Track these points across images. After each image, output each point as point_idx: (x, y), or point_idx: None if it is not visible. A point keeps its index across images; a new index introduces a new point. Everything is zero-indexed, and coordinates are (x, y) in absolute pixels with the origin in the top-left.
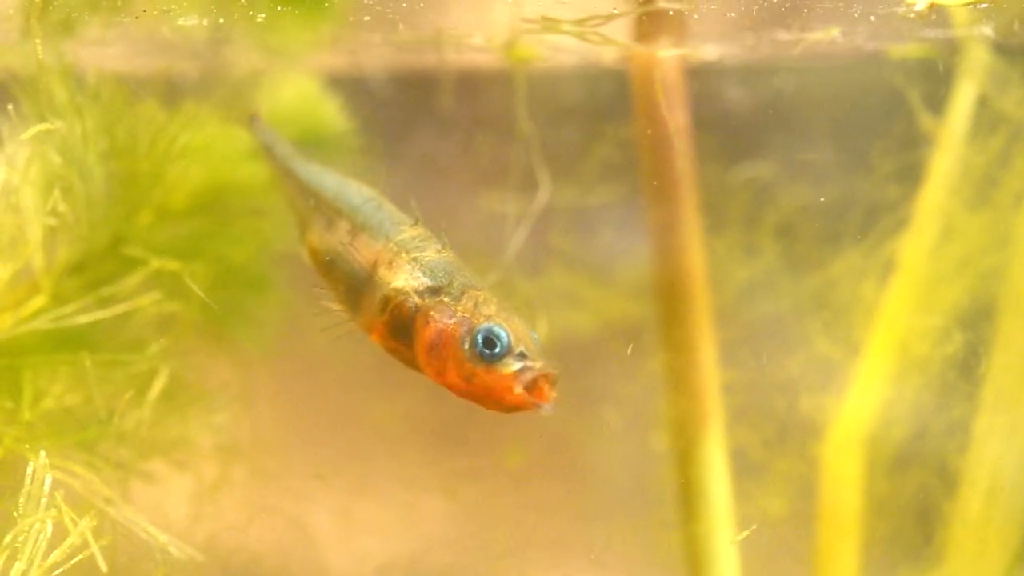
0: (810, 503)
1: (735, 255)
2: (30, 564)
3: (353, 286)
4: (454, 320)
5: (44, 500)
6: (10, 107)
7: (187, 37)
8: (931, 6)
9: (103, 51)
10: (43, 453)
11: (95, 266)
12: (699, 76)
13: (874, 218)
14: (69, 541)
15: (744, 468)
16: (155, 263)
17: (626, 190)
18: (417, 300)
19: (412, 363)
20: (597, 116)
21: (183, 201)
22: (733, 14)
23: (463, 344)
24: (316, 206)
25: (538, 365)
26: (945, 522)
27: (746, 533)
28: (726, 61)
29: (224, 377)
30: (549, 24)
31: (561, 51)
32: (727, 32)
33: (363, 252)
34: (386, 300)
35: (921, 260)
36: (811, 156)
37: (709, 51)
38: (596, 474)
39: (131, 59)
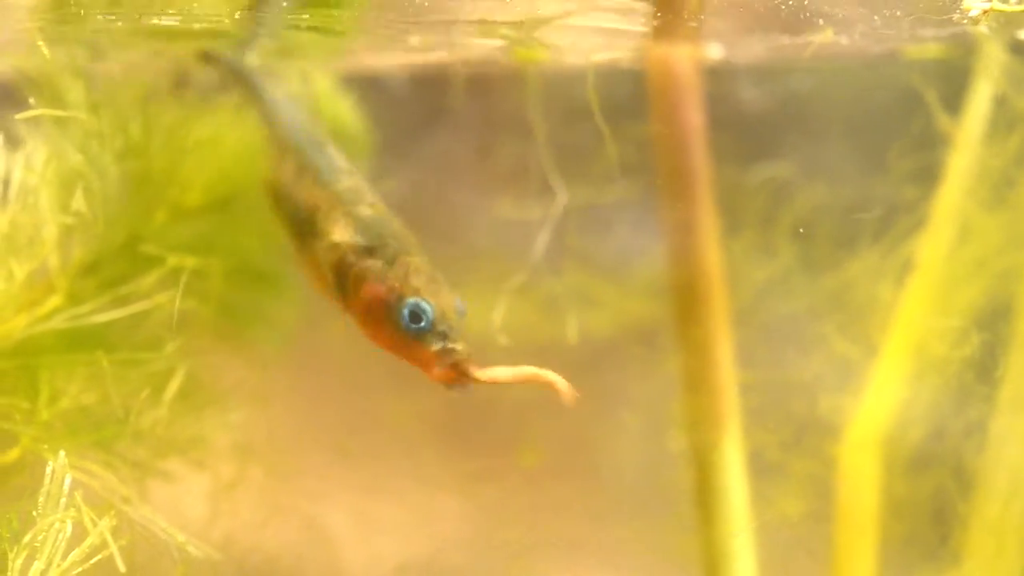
0: (827, 503)
1: (752, 255)
2: (49, 564)
3: (296, 226)
4: (385, 287)
5: (63, 500)
6: (31, 101)
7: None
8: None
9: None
10: (62, 453)
11: (110, 265)
12: (715, 76)
13: (891, 219)
14: (89, 541)
15: (761, 468)
16: (171, 261)
17: (642, 190)
18: (352, 259)
19: (347, 313)
20: (613, 116)
21: (198, 199)
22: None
23: (392, 313)
24: (272, 136)
25: (458, 348)
26: (962, 523)
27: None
28: (742, 61)
29: (240, 376)
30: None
31: (570, 51)
32: (744, 31)
33: (305, 194)
34: (327, 250)
35: (938, 261)
36: (828, 156)
37: (726, 51)
38: (612, 474)
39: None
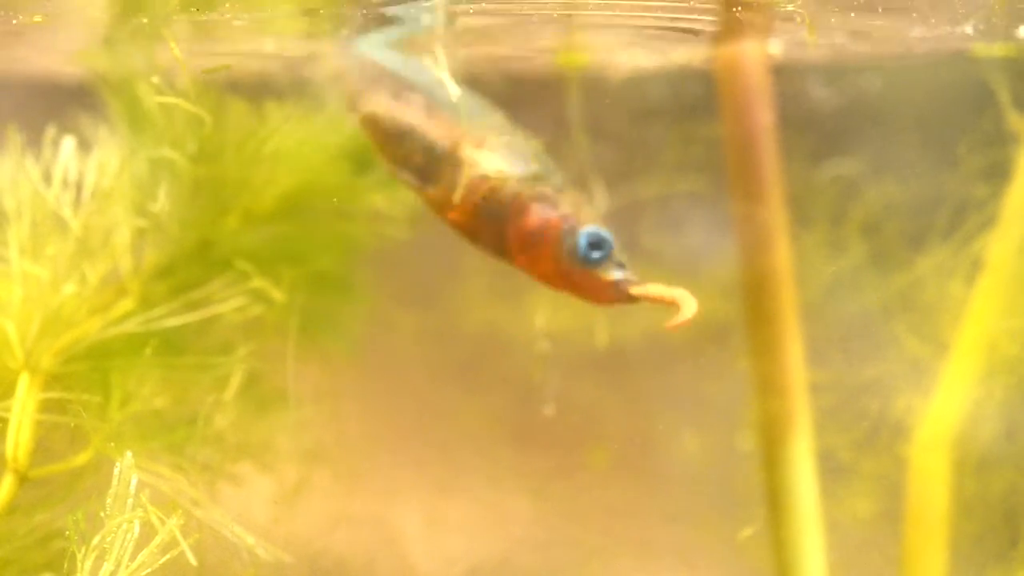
0: (898, 503)
1: (822, 253)
2: (118, 565)
3: (429, 161)
4: (557, 214)
5: (130, 501)
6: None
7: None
8: None
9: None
10: (128, 454)
11: (182, 269)
12: (784, 74)
13: (961, 216)
14: (157, 540)
15: (831, 468)
16: (242, 266)
17: (713, 189)
18: (516, 186)
19: (492, 247)
20: (683, 116)
21: (270, 204)
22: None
23: (565, 240)
24: (379, 75)
25: (635, 279)
26: None
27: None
28: (812, 59)
29: (310, 379)
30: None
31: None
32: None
33: (444, 128)
34: (480, 181)
35: (1009, 259)
36: (898, 153)
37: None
38: (683, 474)
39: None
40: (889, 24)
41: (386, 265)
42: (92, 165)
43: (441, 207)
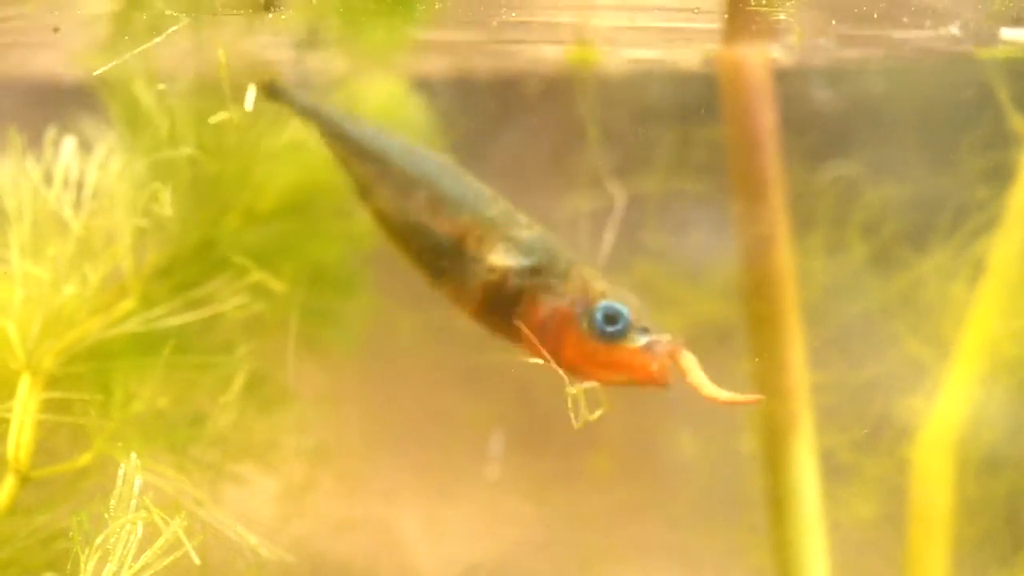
0: (900, 505)
1: (823, 255)
2: (121, 565)
3: (436, 256)
4: (566, 300)
5: (134, 502)
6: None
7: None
8: None
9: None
10: (133, 455)
11: (184, 268)
12: (786, 77)
13: (963, 218)
14: (161, 541)
15: (833, 470)
16: (243, 265)
17: (715, 190)
18: (519, 281)
19: (510, 336)
20: (686, 117)
21: (271, 203)
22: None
23: (581, 323)
24: (382, 171)
25: (666, 338)
26: None
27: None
28: (814, 62)
29: (312, 379)
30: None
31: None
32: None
33: (447, 224)
34: (484, 276)
35: (1011, 260)
36: (898, 156)
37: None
38: (685, 477)
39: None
40: (889, 25)
41: (387, 265)
42: (93, 165)
43: (456, 301)
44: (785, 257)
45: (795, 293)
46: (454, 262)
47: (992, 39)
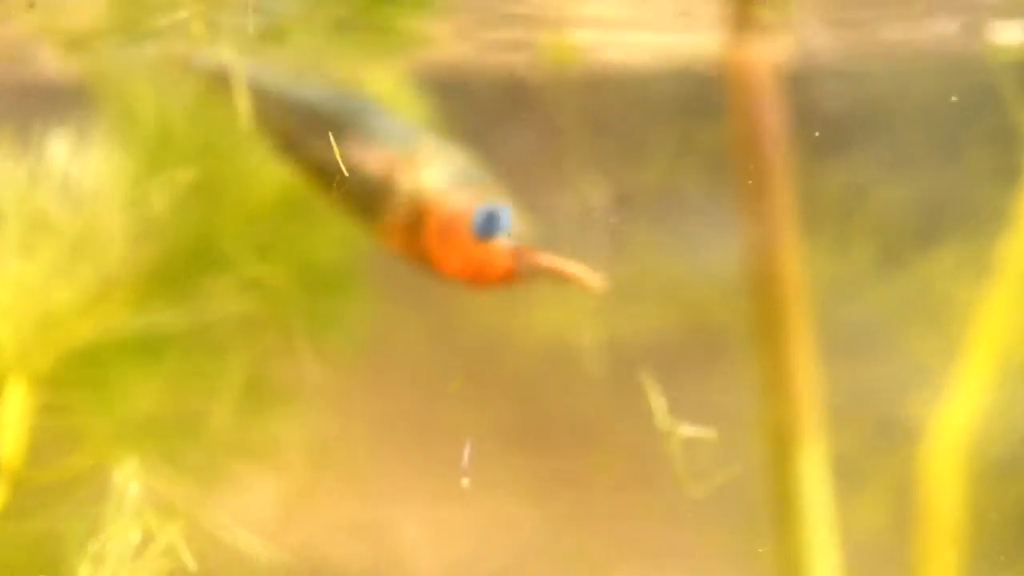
0: (910, 511)
1: (831, 256)
2: (114, 573)
3: (367, 196)
4: (461, 204)
5: (130, 507)
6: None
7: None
8: None
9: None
10: (129, 459)
11: (180, 269)
12: (794, 75)
13: (974, 218)
14: (156, 548)
15: (842, 475)
16: (241, 265)
17: (720, 190)
18: (429, 195)
19: (428, 260)
20: (689, 115)
21: (269, 201)
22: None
23: (465, 226)
24: (306, 121)
25: (532, 247)
26: None
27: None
28: (821, 60)
29: (311, 380)
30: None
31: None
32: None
33: (376, 161)
34: (405, 201)
35: (1021, 261)
36: (907, 156)
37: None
38: (690, 481)
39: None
40: (896, 23)
41: (387, 265)
42: (87, 164)
43: (387, 237)
44: (792, 258)
45: (802, 294)
46: (383, 198)
47: (1001, 37)
